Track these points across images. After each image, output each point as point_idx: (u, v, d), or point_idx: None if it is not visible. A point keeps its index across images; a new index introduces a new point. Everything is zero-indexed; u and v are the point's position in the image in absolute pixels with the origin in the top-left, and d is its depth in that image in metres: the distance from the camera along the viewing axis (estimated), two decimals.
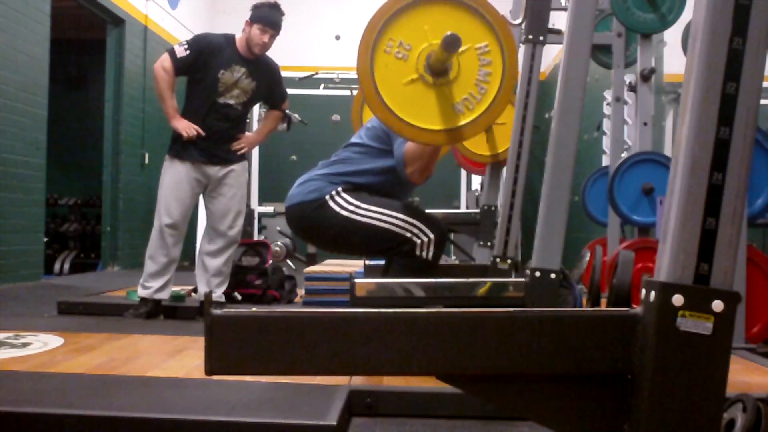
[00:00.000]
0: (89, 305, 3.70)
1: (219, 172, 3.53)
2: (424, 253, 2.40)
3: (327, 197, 2.44)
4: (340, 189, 2.45)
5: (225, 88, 3.48)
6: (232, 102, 3.51)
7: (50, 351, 2.41)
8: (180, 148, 3.46)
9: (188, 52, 3.43)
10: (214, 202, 3.56)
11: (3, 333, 2.72)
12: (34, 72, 5.28)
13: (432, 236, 2.40)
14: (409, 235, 2.40)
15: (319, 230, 2.49)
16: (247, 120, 3.87)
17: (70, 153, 8.63)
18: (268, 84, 3.65)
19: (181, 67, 3.43)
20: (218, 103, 3.48)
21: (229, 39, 3.56)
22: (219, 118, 3.50)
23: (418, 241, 2.39)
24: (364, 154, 2.52)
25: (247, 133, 3.65)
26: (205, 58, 3.45)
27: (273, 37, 3.53)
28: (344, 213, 2.41)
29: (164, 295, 3.49)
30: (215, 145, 3.50)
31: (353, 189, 2.46)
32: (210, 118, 3.47)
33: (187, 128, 3.41)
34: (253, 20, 3.51)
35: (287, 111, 4.00)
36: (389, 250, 2.45)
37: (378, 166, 2.50)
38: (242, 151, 3.60)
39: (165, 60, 3.43)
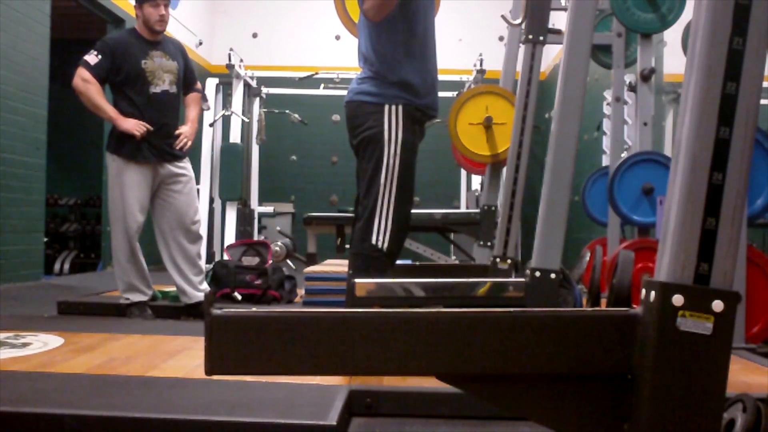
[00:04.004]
0: (89, 305, 3.69)
1: (170, 172, 3.50)
2: (379, 242, 2.42)
3: (386, 107, 2.50)
4: (401, 108, 2.50)
5: (153, 76, 3.45)
6: (167, 87, 3.49)
7: (50, 351, 2.41)
8: (133, 149, 3.40)
9: (100, 56, 3.39)
10: (172, 201, 3.52)
11: (3, 333, 2.72)
12: (34, 72, 5.28)
13: (390, 225, 2.42)
14: (378, 206, 2.45)
15: (361, 129, 2.54)
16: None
17: (70, 153, 8.62)
18: (183, 63, 3.64)
19: (100, 73, 3.38)
20: (155, 93, 3.45)
21: (132, 32, 3.57)
22: (159, 107, 3.46)
23: (375, 225, 2.42)
24: (374, 36, 2.56)
25: (181, 127, 3.58)
26: (120, 56, 3.42)
27: (167, 8, 3.51)
28: (385, 135, 2.48)
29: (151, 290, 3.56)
30: (162, 139, 3.45)
31: (408, 114, 2.51)
32: (151, 110, 3.44)
33: (136, 127, 3.36)
34: (139, 1, 3.50)
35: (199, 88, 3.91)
36: (364, 198, 2.51)
37: (390, 38, 2.54)
38: (187, 146, 3.56)
39: (82, 72, 3.37)
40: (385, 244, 2.44)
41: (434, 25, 2.68)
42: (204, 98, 4.15)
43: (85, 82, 3.35)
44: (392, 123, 2.48)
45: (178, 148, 3.51)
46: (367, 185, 2.50)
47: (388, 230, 2.45)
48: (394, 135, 2.47)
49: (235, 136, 6.99)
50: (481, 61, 7.35)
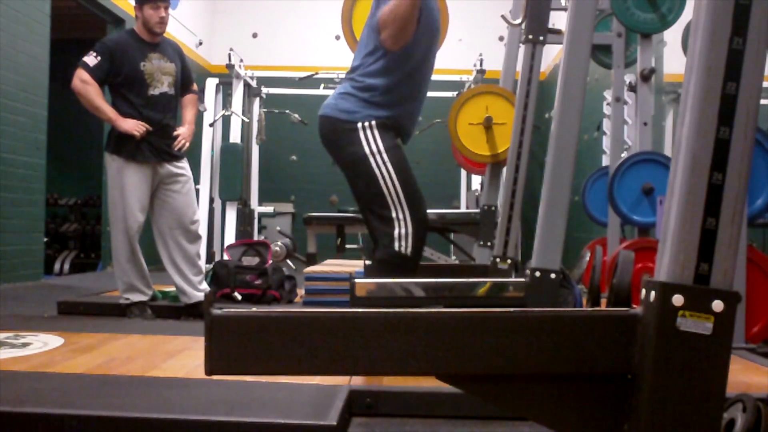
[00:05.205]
0: (89, 305, 3.70)
1: (169, 172, 3.50)
2: (402, 248, 2.41)
3: (359, 125, 2.47)
4: (374, 123, 2.47)
5: (152, 78, 3.46)
6: (165, 89, 3.50)
7: (50, 351, 2.41)
8: (133, 149, 3.40)
9: (99, 58, 3.38)
10: (171, 202, 3.52)
11: (3, 333, 2.72)
12: (34, 72, 5.28)
13: (410, 229, 2.41)
14: (393, 214, 2.42)
15: (339, 151, 2.54)
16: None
17: (70, 153, 8.62)
18: (181, 64, 3.64)
19: (98, 75, 3.38)
20: (153, 95, 3.46)
21: (131, 33, 3.57)
22: (158, 109, 3.47)
23: (396, 232, 2.40)
24: (371, 57, 2.53)
25: (179, 129, 3.59)
26: (119, 58, 3.42)
27: (167, 9, 3.50)
28: (366, 150, 2.45)
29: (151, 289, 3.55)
30: (160, 140, 3.46)
31: (383, 125, 2.49)
32: (150, 112, 3.44)
33: (135, 127, 3.37)
34: (140, 3, 3.49)
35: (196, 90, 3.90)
36: (371, 212, 2.48)
37: (381, 65, 2.50)
38: (185, 147, 3.57)
39: (81, 74, 3.36)
40: (409, 249, 2.43)
41: (434, 58, 2.66)
42: (200, 99, 4.13)
43: (83, 83, 3.35)
44: (368, 137, 2.47)
45: (176, 149, 3.52)
46: (369, 200, 2.48)
47: (409, 235, 2.43)
48: (375, 147, 2.46)
49: (235, 136, 6.98)
50: (481, 61, 7.35)
